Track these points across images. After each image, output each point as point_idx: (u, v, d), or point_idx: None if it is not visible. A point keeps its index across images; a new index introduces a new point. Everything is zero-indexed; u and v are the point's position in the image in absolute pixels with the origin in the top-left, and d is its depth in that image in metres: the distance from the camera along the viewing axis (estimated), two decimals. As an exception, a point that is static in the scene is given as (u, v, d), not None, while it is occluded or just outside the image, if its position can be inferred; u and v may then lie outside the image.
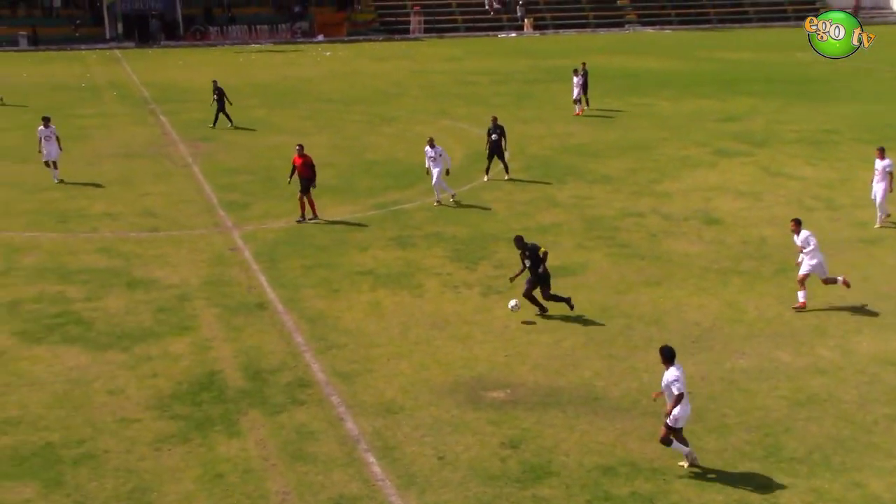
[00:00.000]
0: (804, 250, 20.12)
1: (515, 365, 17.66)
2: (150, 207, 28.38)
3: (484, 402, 16.18)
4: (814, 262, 20.05)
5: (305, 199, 26.46)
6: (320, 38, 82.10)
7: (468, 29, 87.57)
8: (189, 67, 63.31)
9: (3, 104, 46.95)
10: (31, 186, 30.73)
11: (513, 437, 15.00)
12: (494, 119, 31.08)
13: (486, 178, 31.05)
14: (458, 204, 28.13)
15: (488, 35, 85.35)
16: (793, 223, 20.42)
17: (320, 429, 15.36)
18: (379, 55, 70.66)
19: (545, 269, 19.78)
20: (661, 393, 14.27)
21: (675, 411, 13.83)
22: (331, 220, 26.84)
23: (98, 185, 31.06)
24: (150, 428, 15.42)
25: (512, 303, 19.70)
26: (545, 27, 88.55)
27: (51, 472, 14.14)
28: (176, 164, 34.29)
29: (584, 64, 44.68)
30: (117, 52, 74.20)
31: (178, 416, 15.78)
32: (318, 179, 26.70)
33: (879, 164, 25.68)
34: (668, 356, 13.97)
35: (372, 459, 14.40)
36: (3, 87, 52.28)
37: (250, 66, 65.36)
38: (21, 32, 76.41)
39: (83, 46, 76.09)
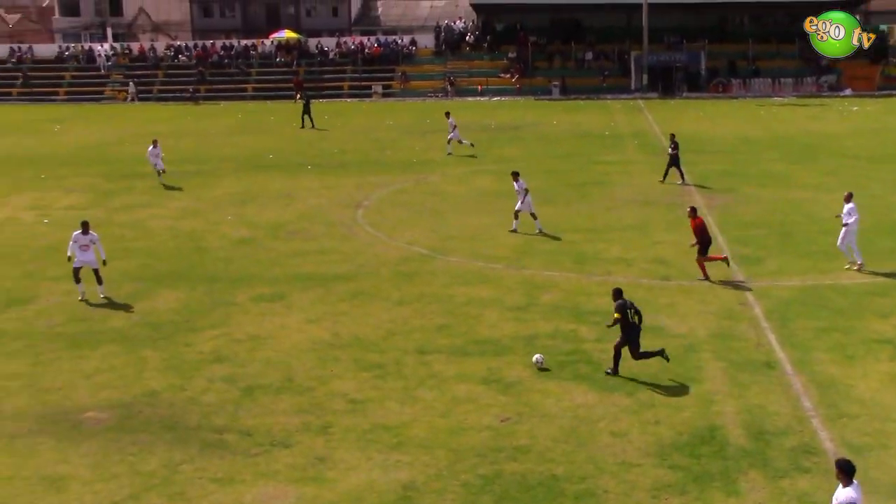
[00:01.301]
0: None
1: None
2: (662, 255, 28.76)
3: None
4: None
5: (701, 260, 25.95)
6: (847, 91, 78.76)
7: None
8: (709, 119, 63.59)
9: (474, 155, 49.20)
10: (552, 228, 32.21)
11: None
12: None
13: None
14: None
15: None
16: None
17: (824, 501, 14.55)
18: (912, 110, 66.44)
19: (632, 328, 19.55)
20: None
21: None
22: (849, 282, 25.54)
23: (616, 230, 32.07)
24: (648, 474, 15.55)
25: (537, 357, 20.21)
26: None
27: (552, 504, 14.76)
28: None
29: None
30: (640, 102, 76.37)
31: (676, 467, 15.78)
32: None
33: None
34: (847, 472, 11.86)
35: (880, 543, 13.46)
36: (537, 135, 55.84)
37: (772, 119, 64.29)
38: (554, 83, 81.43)
39: (608, 96, 79.32)
